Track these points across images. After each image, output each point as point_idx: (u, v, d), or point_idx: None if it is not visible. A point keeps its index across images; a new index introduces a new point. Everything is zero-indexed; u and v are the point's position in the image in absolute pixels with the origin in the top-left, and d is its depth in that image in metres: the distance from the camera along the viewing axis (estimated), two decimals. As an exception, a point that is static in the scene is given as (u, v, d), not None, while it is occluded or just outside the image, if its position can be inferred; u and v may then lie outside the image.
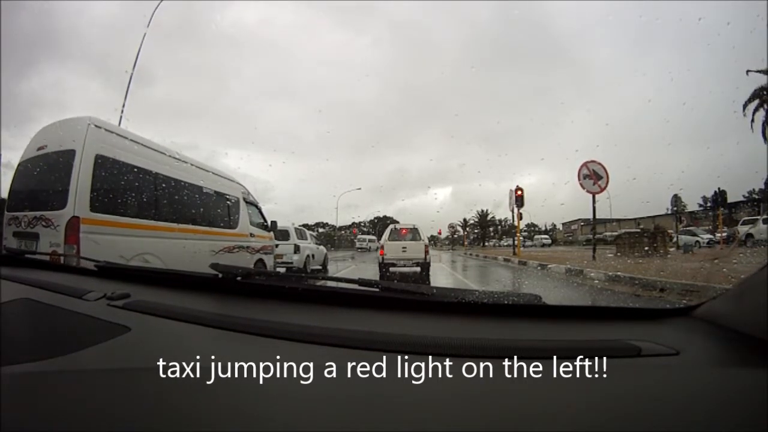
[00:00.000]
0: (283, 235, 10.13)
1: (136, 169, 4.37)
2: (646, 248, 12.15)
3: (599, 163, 11.95)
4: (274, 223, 7.30)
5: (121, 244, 3.98)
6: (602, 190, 11.78)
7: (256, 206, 6.93)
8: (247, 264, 5.95)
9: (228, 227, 5.83)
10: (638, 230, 17.93)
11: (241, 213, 6.20)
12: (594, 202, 11.75)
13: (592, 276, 7.54)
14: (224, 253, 5.49)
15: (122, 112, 10.00)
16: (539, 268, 10.60)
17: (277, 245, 9.82)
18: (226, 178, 6.08)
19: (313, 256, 11.18)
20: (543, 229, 52.91)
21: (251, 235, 6.40)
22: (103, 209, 3.96)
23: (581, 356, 0.62)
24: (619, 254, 12.60)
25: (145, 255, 4.18)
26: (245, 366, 0.60)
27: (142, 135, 5.12)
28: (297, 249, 10.14)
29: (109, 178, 4.11)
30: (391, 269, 9.71)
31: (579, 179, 11.61)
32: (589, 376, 0.57)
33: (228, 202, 5.94)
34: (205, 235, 5.15)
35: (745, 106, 19.07)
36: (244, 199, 6.40)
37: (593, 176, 11.74)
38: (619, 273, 6.83)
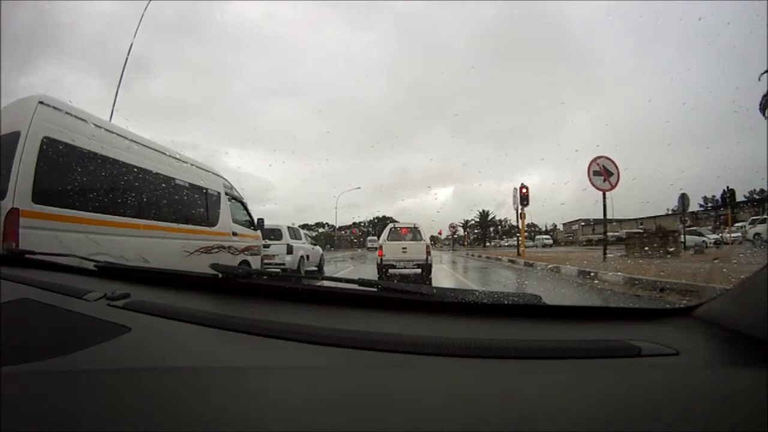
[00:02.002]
0: (275, 234, 9.56)
1: (93, 156, 3.74)
2: (658, 249, 11.62)
3: (610, 159, 11.39)
4: (261, 220, 6.62)
5: (71, 242, 3.35)
6: (613, 187, 11.21)
7: (241, 202, 6.26)
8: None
9: (205, 224, 5.16)
10: (641, 230, 17.45)
11: (221, 209, 5.51)
12: (605, 200, 11.16)
13: (609, 279, 6.95)
14: (200, 253, 4.83)
15: (113, 106, 9.42)
16: (549, 270, 9.99)
17: (268, 245, 9.23)
18: (205, 169, 5.39)
19: (307, 257, 10.56)
20: (543, 229, 52.45)
21: (234, 233, 5.72)
22: (51, 201, 3.34)
23: (581, 356, 0.65)
24: (628, 255, 12.07)
25: (100, 256, 3.54)
26: (245, 366, 0.63)
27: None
28: (290, 249, 9.51)
29: (60, 164, 3.50)
30: (390, 271, 9.08)
31: (589, 176, 11.06)
32: (589, 376, 0.59)
33: (206, 197, 5.25)
34: (177, 233, 4.50)
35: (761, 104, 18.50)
36: (227, 193, 5.72)
37: (604, 173, 11.16)
38: (640, 276, 6.22)
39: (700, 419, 0.46)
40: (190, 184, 4.93)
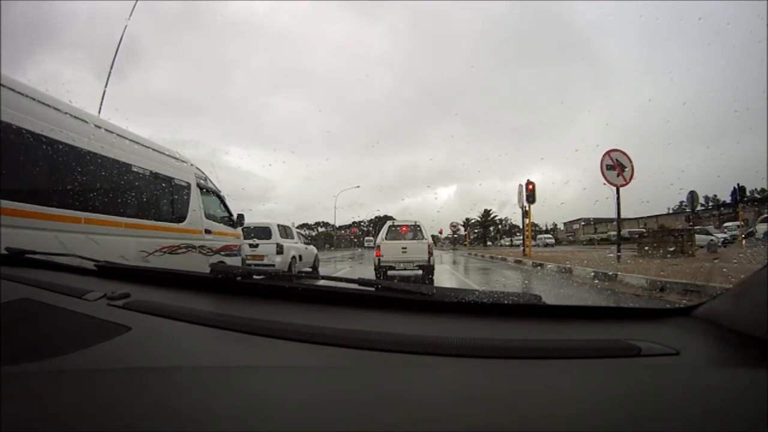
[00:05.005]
0: (265, 233, 8.79)
1: (25, 135, 2.98)
2: (672, 248, 10.94)
3: (623, 153, 10.68)
4: (240, 216, 5.78)
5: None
6: (627, 182, 10.49)
7: (218, 195, 5.45)
8: (201, 267, 4.53)
9: (171, 220, 4.37)
10: (643, 229, 16.84)
11: (192, 203, 4.71)
12: (618, 196, 10.41)
13: (631, 282, 6.22)
14: (163, 254, 4.05)
15: (102, 98, 8.63)
16: (559, 271, 9.25)
17: (256, 245, 8.49)
18: (172, 156, 4.60)
19: (300, 257, 9.78)
20: (544, 228, 51.83)
21: (207, 231, 4.94)
22: None
23: (581, 356, 0.66)
24: (640, 254, 11.39)
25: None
26: (245, 366, 0.63)
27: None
28: (280, 249, 8.73)
29: None
30: (390, 273, 8.29)
31: (602, 170, 10.35)
32: (590, 375, 0.59)
33: (172, 188, 4.46)
34: (131, 230, 3.72)
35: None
36: (199, 185, 4.93)
37: (617, 166, 10.44)
38: (672, 279, 5.49)
39: (700, 419, 0.46)
40: (152, 172, 4.14)
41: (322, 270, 11.35)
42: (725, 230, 20.26)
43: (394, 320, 0.85)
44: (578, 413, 0.48)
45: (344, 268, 13.09)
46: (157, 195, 4.28)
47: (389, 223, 9.29)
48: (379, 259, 8.38)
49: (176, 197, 4.53)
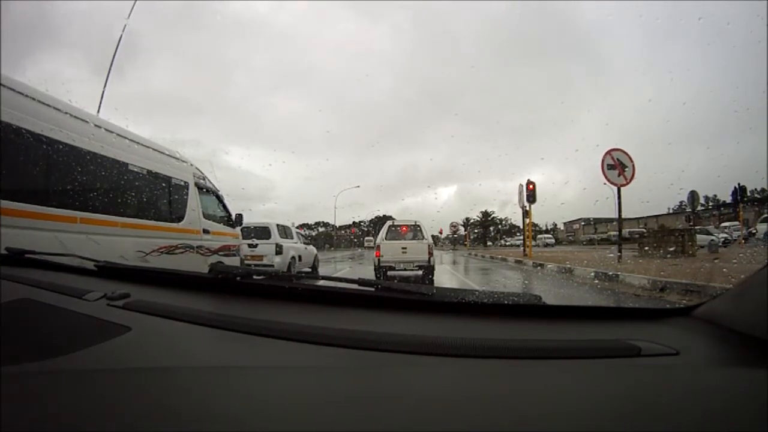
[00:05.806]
0: (264, 233, 8.76)
1: (19, 132, 2.96)
2: (673, 248, 10.91)
3: (624, 152, 10.65)
4: (239, 216, 5.75)
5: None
6: (628, 182, 10.46)
7: (216, 195, 5.42)
8: (199, 268, 4.51)
9: (168, 220, 4.34)
10: (644, 229, 16.86)
11: (189, 202, 4.68)
12: (619, 196, 10.38)
13: (632, 282, 6.19)
14: (161, 254, 4.03)
15: (102, 97, 8.58)
16: (560, 271, 9.22)
17: (255, 245, 8.47)
18: (170, 155, 4.57)
19: (299, 257, 9.75)
20: (544, 228, 51.80)
21: (205, 231, 4.91)
22: None
23: (581, 356, 0.66)
24: (641, 254, 11.36)
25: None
26: (245, 366, 0.63)
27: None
28: (279, 249, 8.70)
29: None
30: (390, 273, 8.26)
31: (603, 170, 10.33)
32: (590, 375, 0.59)
33: (170, 188, 4.43)
34: (128, 230, 3.69)
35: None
36: (197, 184, 4.90)
37: (618, 166, 10.41)
38: (674, 279, 5.47)
39: (700, 419, 0.45)
40: (149, 171, 4.12)
41: (322, 270, 11.34)
42: (725, 230, 20.25)
43: (394, 320, 0.84)
44: (578, 413, 0.47)
45: (344, 269, 13.06)
46: (155, 194, 4.25)
47: (389, 223, 9.26)
48: (379, 260, 8.35)
49: (174, 197, 4.51)
